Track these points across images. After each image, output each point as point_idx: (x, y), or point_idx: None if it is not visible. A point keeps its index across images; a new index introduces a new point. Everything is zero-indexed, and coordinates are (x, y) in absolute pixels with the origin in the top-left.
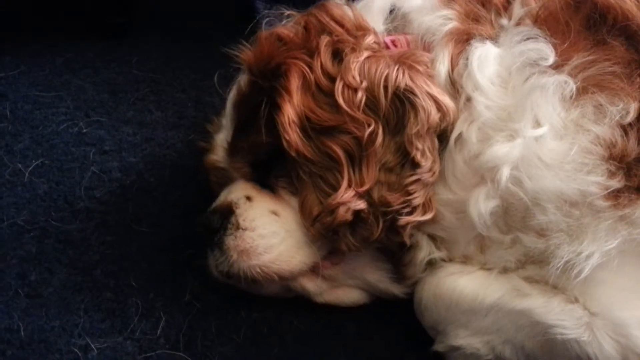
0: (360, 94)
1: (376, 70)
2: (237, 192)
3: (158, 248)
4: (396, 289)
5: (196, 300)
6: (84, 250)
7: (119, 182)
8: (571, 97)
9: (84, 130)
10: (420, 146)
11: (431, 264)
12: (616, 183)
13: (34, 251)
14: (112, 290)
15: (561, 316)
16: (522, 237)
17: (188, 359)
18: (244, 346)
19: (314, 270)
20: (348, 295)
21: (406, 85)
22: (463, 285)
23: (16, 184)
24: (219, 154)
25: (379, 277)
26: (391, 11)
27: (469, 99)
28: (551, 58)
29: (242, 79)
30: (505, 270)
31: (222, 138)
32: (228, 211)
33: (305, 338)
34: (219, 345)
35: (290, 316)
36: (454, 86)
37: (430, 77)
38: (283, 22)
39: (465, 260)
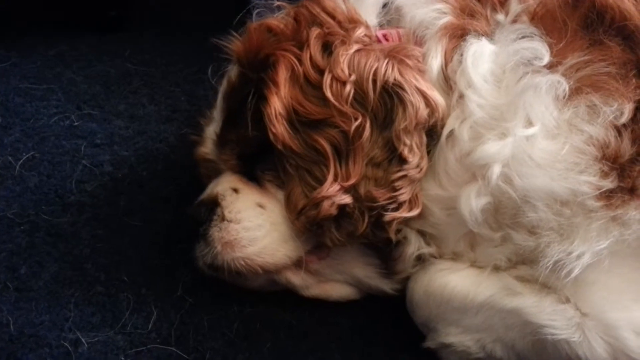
0: (348, 87)
1: (365, 63)
2: (224, 184)
3: (150, 242)
4: (385, 285)
5: (188, 295)
6: (75, 244)
7: (110, 175)
8: (564, 97)
9: (76, 123)
10: (408, 142)
11: (421, 260)
12: (609, 183)
13: (24, 244)
14: (103, 284)
15: (552, 316)
16: (512, 234)
17: (179, 353)
18: (236, 341)
19: (299, 264)
20: (336, 290)
21: (395, 79)
22: (454, 283)
23: (6, 177)
24: (208, 146)
25: (367, 273)
26: (384, 5)
27: (461, 96)
28: (546, 58)
29: (233, 71)
30: (496, 269)
31: (211, 130)
32: (214, 203)
33: (298, 334)
34: (211, 340)
35: (283, 312)
36: (447, 82)
37: (421, 71)
38: (274, 14)
39: (455, 257)
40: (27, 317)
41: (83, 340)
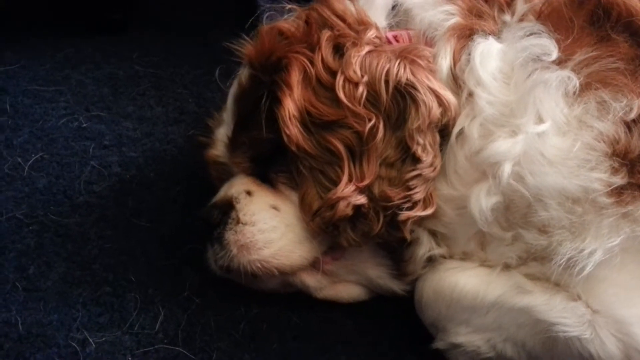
0: (361, 88)
1: (377, 64)
2: (238, 186)
3: (157, 243)
4: (396, 286)
5: (195, 296)
6: (83, 245)
7: (118, 176)
8: (574, 93)
9: (84, 125)
10: (421, 141)
11: (431, 261)
12: (619, 180)
13: (33, 245)
14: (111, 285)
15: (563, 314)
16: (523, 233)
17: (186, 354)
18: (242, 342)
19: (314, 265)
20: (348, 291)
21: (407, 79)
22: (464, 282)
23: (15, 178)
24: (219, 148)
25: (379, 273)
26: (393, 7)
27: (471, 94)
28: (554, 53)
29: (243, 74)
30: (506, 267)
31: (222, 133)
32: (228, 206)
33: (304, 334)
34: (218, 341)
35: (289, 312)
36: (456, 81)
37: (432, 71)
38: (284, 17)
39: (466, 256)
40: (35, 317)
41: (91, 340)
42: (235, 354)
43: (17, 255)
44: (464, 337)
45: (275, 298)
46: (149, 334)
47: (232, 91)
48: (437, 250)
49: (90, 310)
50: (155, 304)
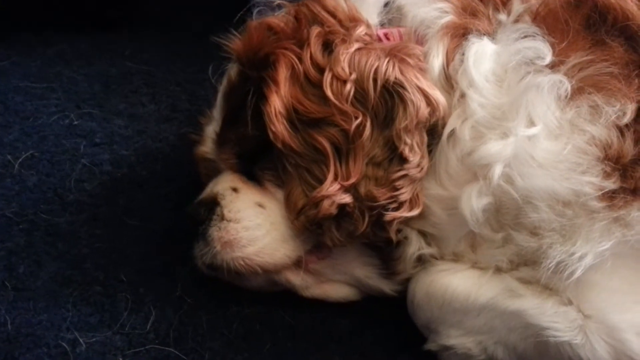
0: (348, 86)
1: (366, 62)
2: (224, 183)
3: (149, 242)
4: (385, 286)
5: (187, 295)
6: (74, 244)
7: (109, 175)
8: (566, 96)
9: (75, 122)
10: (408, 141)
11: (421, 260)
12: (611, 184)
13: (23, 243)
14: (102, 284)
15: (554, 318)
16: (514, 235)
17: (178, 354)
18: (235, 342)
19: (298, 264)
20: (336, 290)
21: (396, 78)
22: (456, 285)
23: (5, 176)
24: (208, 145)
25: (367, 273)
26: (386, 4)
27: (463, 96)
28: (548, 57)
29: (233, 69)
30: (498, 271)
31: (211, 129)
32: (214, 202)
33: (297, 334)
34: (210, 341)
35: (282, 312)
36: (448, 81)
37: (421, 70)
38: (274, 12)
39: (456, 258)
40: (24, 316)
41: (81, 340)
42: (227, 354)
43: (6, 254)
44: (456, 339)
45: (268, 298)
46: (140, 334)
47: (222, 87)
48: (427, 250)
49: (81, 310)
50: (147, 304)
